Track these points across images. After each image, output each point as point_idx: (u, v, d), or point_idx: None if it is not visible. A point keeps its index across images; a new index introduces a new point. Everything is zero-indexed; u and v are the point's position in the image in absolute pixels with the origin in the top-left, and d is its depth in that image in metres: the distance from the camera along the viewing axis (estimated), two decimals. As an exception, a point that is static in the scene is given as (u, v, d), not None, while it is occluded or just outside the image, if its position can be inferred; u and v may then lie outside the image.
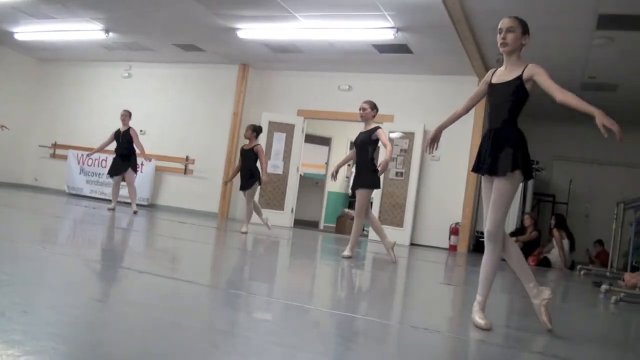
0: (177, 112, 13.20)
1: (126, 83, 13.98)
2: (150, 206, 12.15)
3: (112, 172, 10.57)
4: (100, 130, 13.89)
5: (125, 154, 10.40)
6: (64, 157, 14.25)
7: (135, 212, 10.23)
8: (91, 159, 13.73)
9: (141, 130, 12.11)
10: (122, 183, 10.62)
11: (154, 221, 9.65)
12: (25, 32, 12.43)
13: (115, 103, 13.82)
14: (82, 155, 13.91)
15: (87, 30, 11.64)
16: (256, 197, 9.75)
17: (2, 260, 4.16)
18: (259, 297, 4.08)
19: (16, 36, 12.71)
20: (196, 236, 8.27)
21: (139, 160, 10.82)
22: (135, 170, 10.60)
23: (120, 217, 9.65)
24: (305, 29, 9.73)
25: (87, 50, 13.35)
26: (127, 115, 10.63)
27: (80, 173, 13.87)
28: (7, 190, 12.87)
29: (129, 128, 10.54)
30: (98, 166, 13.66)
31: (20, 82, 14.75)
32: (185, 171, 13.01)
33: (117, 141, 10.54)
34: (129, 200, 11.19)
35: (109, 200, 13.13)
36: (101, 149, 10.85)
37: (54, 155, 14.65)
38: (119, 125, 13.01)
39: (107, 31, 11.50)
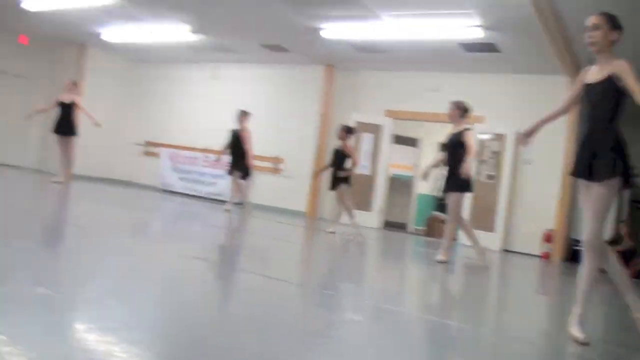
0: (265, 112, 13.31)
1: (214, 84, 14.30)
2: (241, 204, 12.25)
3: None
4: (189, 129, 14.38)
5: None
6: (157, 155, 14.76)
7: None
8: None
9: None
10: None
11: (244, 219, 9.79)
12: (114, 33, 12.79)
13: (204, 104, 14.30)
14: (174, 153, 14.34)
15: (174, 32, 11.86)
16: (350, 199, 9.68)
17: (101, 253, 4.32)
18: (349, 298, 4.06)
19: (103, 37, 13.11)
20: (285, 235, 8.34)
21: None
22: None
23: (211, 214, 9.84)
24: (389, 29, 9.62)
25: (175, 52, 13.71)
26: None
27: (172, 170, 14.33)
28: (102, 186, 13.43)
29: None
30: (190, 164, 14.06)
31: (111, 82, 15.34)
32: (275, 170, 13.19)
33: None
34: (234, 200, 11.00)
35: (202, 198, 13.58)
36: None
37: (147, 153, 15.20)
38: (210, 126, 13.27)
39: (194, 33, 11.72)
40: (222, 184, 13.05)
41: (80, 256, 4.07)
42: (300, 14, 9.55)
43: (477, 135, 10.67)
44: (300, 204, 12.75)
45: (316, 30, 10.30)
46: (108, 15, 11.45)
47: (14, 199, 7.71)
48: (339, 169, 9.08)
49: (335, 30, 10.15)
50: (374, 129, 12.35)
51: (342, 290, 4.38)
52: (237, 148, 10.42)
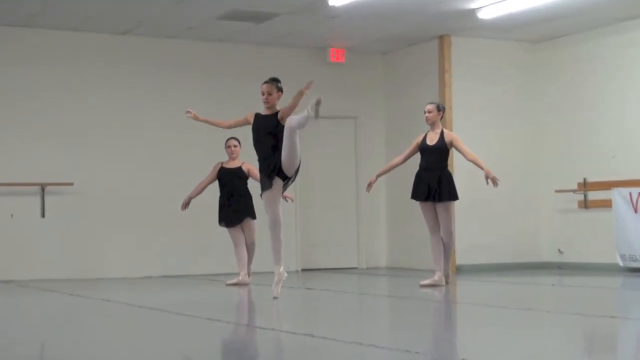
0: None
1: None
2: None
3: None
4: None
5: None
6: (605, 204, 8.82)
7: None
8: None
9: None
10: None
11: None
12: (493, 3, 8.77)
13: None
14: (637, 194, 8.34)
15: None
16: None
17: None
18: None
19: (479, 14, 9.06)
20: None
21: None
22: None
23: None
24: None
25: (600, 10, 8.68)
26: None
27: (640, 228, 8.29)
28: (521, 277, 8.80)
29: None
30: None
31: (499, 90, 9.88)
32: None
33: None
34: None
35: None
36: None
37: (585, 205, 9.24)
38: None
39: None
40: None
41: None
42: None
43: None
44: None
45: None
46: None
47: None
48: None
49: None
50: None
51: None
52: None
